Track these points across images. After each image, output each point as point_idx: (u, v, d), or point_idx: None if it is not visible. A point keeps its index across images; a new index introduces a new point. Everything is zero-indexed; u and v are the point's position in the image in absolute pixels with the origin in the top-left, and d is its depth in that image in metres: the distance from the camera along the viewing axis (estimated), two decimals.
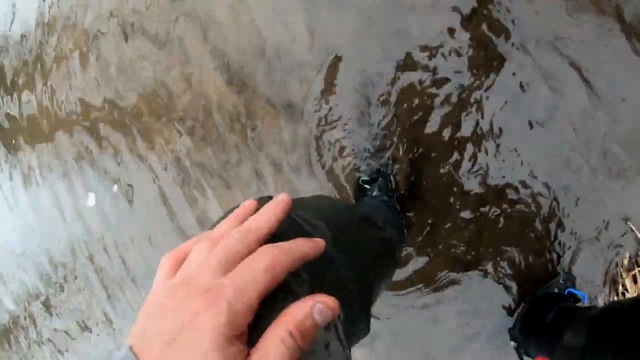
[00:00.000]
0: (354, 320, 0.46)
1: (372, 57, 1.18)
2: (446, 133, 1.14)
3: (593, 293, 1.15)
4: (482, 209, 1.15)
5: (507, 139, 1.13)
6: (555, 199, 1.12)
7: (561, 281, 1.08)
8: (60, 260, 2.27)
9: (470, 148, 1.14)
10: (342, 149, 1.22)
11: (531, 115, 1.11)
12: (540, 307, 1.04)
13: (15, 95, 2.28)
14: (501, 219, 1.15)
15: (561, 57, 1.09)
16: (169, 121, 1.58)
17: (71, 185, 2.06)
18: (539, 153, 1.12)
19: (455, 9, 1.12)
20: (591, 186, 1.10)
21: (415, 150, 1.15)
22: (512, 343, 1.12)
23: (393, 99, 1.18)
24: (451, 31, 1.13)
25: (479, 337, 1.22)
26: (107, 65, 1.75)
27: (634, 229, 1.12)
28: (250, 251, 0.27)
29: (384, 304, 1.25)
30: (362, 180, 1.11)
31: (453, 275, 1.19)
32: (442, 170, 1.14)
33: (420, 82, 1.15)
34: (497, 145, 1.13)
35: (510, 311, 1.17)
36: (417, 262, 1.21)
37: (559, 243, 1.14)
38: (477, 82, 1.13)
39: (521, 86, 1.11)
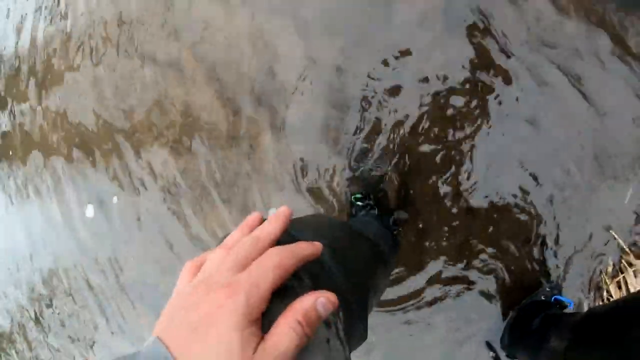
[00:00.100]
0: (352, 326, 0.52)
1: (362, 78, 1.26)
2: (433, 149, 1.21)
3: (579, 300, 1.20)
4: (469, 222, 1.21)
5: (494, 153, 1.19)
6: (539, 211, 1.18)
7: (547, 289, 1.13)
8: (53, 274, 2.27)
9: (456, 164, 1.21)
10: (335, 168, 1.29)
11: (517, 129, 1.18)
12: (528, 315, 1.09)
13: (9, 109, 2.32)
14: (489, 231, 1.21)
15: (552, 68, 1.16)
16: (161, 138, 1.63)
17: (66, 199, 2.07)
18: (524, 166, 1.19)
19: (444, 27, 1.20)
20: (574, 197, 1.16)
21: (404, 167, 1.22)
22: (491, 353, 1.17)
23: (383, 118, 1.25)
24: (437, 47, 1.21)
25: (470, 341, 1.27)
26: (103, 83, 1.81)
27: (616, 237, 1.18)
28: (260, 254, 0.32)
29: (380, 318, 1.30)
30: (354, 197, 1.18)
31: (442, 286, 1.24)
32: (430, 184, 1.21)
33: (409, 100, 1.22)
34: (484, 160, 1.20)
35: (500, 318, 1.23)
36: (408, 273, 1.26)
37: (545, 253, 1.19)
38: (464, 98, 1.20)
39: (505, 101, 1.18)
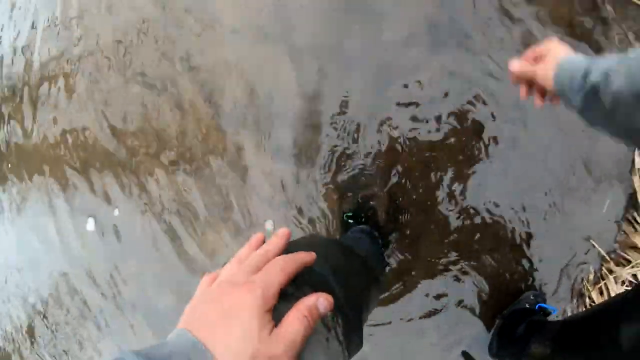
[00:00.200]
0: (350, 335, 0.57)
1: (352, 100, 1.31)
2: (419, 167, 1.27)
3: (562, 307, 1.25)
4: (456, 234, 1.26)
5: (478, 168, 1.25)
6: (523, 224, 1.24)
7: (532, 297, 1.18)
8: (52, 290, 2.25)
9: (442, 180, 1.27)
10: (326, 187, 1.34)
11: (499, 145, 1.24)
12: (513, 322, 1.14)
13: (4, 124, 2.34)
14: (474, 243, 1.26)
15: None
16: (158, 158, 1.67)
17: (64, 213, 2.08)
18: (507, 180, 1.24)
19: (429, 46, 1.26)
20: (555, 209, 1.22)
21: (392, 187, 1.28)
22: None
23: (373, 140, 1.30)
24: (421, 67, 1.27)
25: (459, 347, 1.31)
26: (101, 101, 1.84)
27: (596, 246, 1.23)
28: (268, 262, 0.41)
29: (369, 330, 1.34)
30: (346, 216, 1.23)
31: (430, 297, 1.29)
32: (417, 201, 1.26)
33: (397, 122, 1.28)
34: (468, 176, 1.25)
35: (487, 327, 1.27)
36: (397, 287, 1.31)
37: (529, 263, 1.25)
38: (449, 117, 1.26)
39: (492, 116, 1.24)
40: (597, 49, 1.22)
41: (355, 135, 1.33)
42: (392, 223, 1.26)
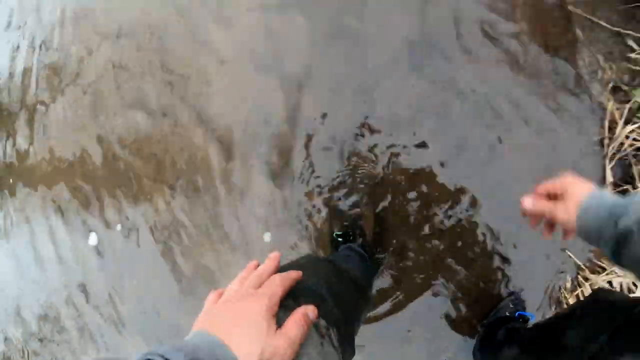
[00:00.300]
0: (343, 344, 0.67)
1: (340, 124, 1.40)
2: (402, 189, 1.36)
3: (542, 314, 1.33)
4: (437, 248, 1.34)
5: (458, 186, 1.33)
6: (501, 239, 1.32)
7: (511, 305, 1.26)
8: (48, 306, 2.27)
9: (423, 198, 1.35)
10: (317, 207, 1.43)
11: (474, 160, 1.32)
12: (494, 330, 1.22)
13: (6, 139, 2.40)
14: (456, 256, 1.34)
15: (508, 103, 1.31)
16: (158, 181, 1.74)
17: (65, 228, 2.12)
18: (486, 194, 1.32)
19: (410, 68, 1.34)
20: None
21: (378, 206, 1.36)
22: None
23: (359, 163, 1.40)
24: (403, 90, 1.35)
25: (446, 353, 1.39)
26: (99, 124, 1.92)
27: (572, 256, 1.31)
28: (265, 281, 0.51)
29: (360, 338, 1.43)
30: (336, 235, 1.32)
31: (416, 308, 1.37)
32: (400, 220, 1.35)
33: (380, 146, 1.37)
34: (448, 195, 1.34)
35: (471, 334, 1.35)
36: (386, 302, 1.39)
37: (509, 273, 1.33)
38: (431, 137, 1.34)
39: (464, 137, 1.32)
40: (570, 70, 1.30)
41: (343, 159, 1.41)
42: (378, 241, 1.35)
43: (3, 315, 2.52)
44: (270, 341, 0.41)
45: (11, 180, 2.39)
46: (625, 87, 1.30)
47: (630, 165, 1.30)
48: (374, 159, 1.39)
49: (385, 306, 1.40)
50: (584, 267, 1.32)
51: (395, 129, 1.37)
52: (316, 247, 1.44)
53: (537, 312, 1.33)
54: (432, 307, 1.37)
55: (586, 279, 1.33)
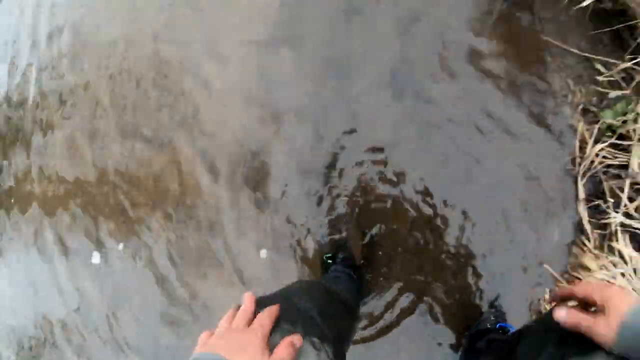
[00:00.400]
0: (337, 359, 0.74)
1: (327, 153, 1.48)
2: (388, 212, 1.43)
3: (523, 324, 1.40)
4: (423, 270, 1.42)
5: (436, 205, 1.41)
6: (482, 257, 1.39)
7: (492, 317, 1.33)
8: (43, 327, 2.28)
9: (406, 220, 1.43)
10: (308, 231, 1.50)
11: (454, 178, 1.40)
12: (475, 340, 1.29)
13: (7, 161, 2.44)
14: (439, 274, 1.41)
15: (486, 120, 1.38)
16: (152, 206, 1.80)
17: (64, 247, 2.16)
18: (467, 213, 1.39)
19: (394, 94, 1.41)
20: (512, 238, 1.37)
21: (363, 228, 1.44)
22: None
23: (348, 188, 1.48)
24: (387, 114, 1.42)
25: None
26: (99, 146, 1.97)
27: (549, 268, 1.39)
28: (251, 318, 0.60)
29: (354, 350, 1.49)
30: (325, 257, 1.39)
31: (401, 321, 1.44)
32: (386, 241, 1.42)
33: (365, 169, 1.44)
34: (430, 217, 1.41)
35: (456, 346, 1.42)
36: (374, 316, 1.46)
37: (490, 287, 1.40)
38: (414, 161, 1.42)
39: (445, 156, 1.40)
40: (542, 95, 1.38)
41: (330, 183, 1.48)
42: (366, 262, 1.42)
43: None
44: None
45: (12, 200, 2.43)
46: (594, 109, 1.39)
47: (600, 182, 1.38)
48: (359, 181, 1.46)
49: (374, 322, 1.46)
50: (561, 279, 1.39)
51: (380, 152, 1.44)
52: (307, 268, 1.51)
53: (520, 322, 1.40)
54: (419, 320, 1.44)
55: None
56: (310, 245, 1.49)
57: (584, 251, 1.42)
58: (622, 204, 1.39)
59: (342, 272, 1.28)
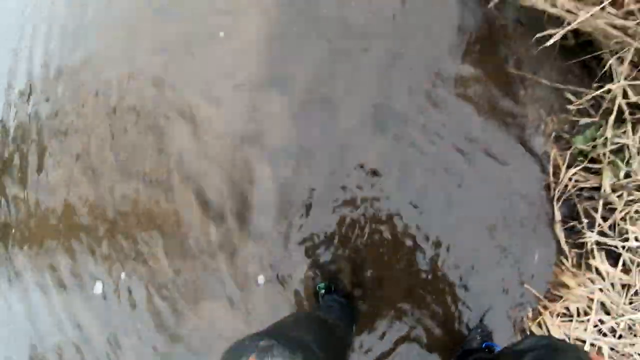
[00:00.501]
0: None
1: (317, 187, 1.55)
2: (375, 244, 1.51)
3: (509, 342, 1.48)
4: (411, 298, 1.49)
5: (420, 236, 1.49)
6: (467, 281, 1.47)
7: (479, 337, 1.40)
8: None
9: (395, 253, 1.50)
10: (301, 265, 1.57)
11: (437, 205, 1.47)
12: (463, 359, 1.36)
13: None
14: (427, 300, 1.48)
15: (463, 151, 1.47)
16: (149, 241, 1.84)
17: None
18: (446, 236, 1.47)
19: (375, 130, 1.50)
20: (493, 261, 1.45)
21: (354, 262, 1.51)
22: None
23: (333, 222, 1.55)
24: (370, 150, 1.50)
25: None
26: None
27: (530, 288, 1.47)
28: None
29: None
30: (318, 287, 1.46)
31: (392, 345, 1.51)
32: (375, 271, 1.50)
33: (353, 201, 1.52)
34: (416, 248, 1.49)
35: None
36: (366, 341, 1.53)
37: (476, 308, 1.47)
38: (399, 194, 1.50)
39: (426, 185, 1.48)
40: (517, 125, 1.47)
41: (321, 217, 1.56)
42: (357, 291, 1.50)
43: None
44: None
45: (13, 230, 2.44)
46: (566, 136, 1.48)
47: (575, 204, 1.47)
48: (348, 213, 1.53)
49: (367, 345, 1.53)
50: (542, 298, 1.47)
51: (366, 184, 1.52)
52: (302, 297, 1.57)
53: (506, 341, 1.47)
54: (409, 345, 1.50)
55: (545, 307, 1.49)
56: (303, 276, 1.56)
57: (562, 270, 1.50)
58: (597, 223, 1.48)
59: (335, 302, 1.35)
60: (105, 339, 2.03)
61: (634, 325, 1.50)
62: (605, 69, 1.48)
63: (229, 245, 1.68)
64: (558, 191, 1.45)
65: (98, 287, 2.14)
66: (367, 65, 1.53)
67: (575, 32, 1.45)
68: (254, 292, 1.64)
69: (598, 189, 1.48)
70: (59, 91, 2.13)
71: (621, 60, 1.49)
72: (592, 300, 1.49)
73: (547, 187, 1.46)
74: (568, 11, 1.44)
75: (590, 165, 1.47)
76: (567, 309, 1.50)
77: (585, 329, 1.49)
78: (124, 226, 1.95)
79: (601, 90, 1.44)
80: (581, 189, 1.47)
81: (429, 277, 1.48)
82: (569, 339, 1.47)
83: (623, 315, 1.49)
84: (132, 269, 1.94)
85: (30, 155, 2.29)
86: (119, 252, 2.00)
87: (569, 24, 1.41)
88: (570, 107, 1.47)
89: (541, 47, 1.33)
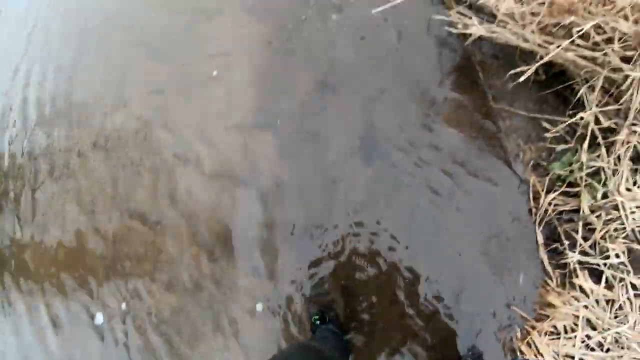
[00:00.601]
0: None
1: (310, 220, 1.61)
2: (368, 277, 1.57)
3: None
4: (402, 325, 1.55)
5: (412, 267, 1.55)
6: (456, 307, 1.53)
7: (469, 359, 1.46)
8: None
9: (385, 285, 1.56)
10: (297, 299, 1.63)
11: (423, 233, 1.54)
12: None
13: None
14: (419, 326, 1.54)
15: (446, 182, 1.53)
16: (146, 276, 1.88)
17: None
18: (432, 263, 1.54)
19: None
20: (480, 286, 1.52)
21: (347, 292, 1.57)
22: None
23: (327, 255, 1.61)
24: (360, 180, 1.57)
25: None
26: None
27: (518, 310, 1.53)
28: None
29: None
30: (313, 319, 1.51)
31: None
32: (368, 302, 1.56)
33: (344, 233, 1.58)
34: (405, 278, 1.55)
35: None
36: None
37: (465, 331, 1.53)
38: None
39: (413, 213, 1.54)
40: (498, 156, 1.54)
41: (314, 250, 1.62)
42: (350, 321, 1.55)
43: None
44: None
45: (13, 262, 2.45)
46: (544, 163, 1.55)
47: (556, 227, 1.55)
48: (339, 246, 1.60)
49: None
50: (529, 318, 1.54)
51: (355, 215, 1.58)
52: (297, 329, 1.62)
53: None
54: None
55: (533, 327, 1.55)
56: (298, 307, 1.61)
57: (547, 290, 1.57)
58: (578, 243, 1.55)
59: (329, 332, 1.40)
60: None
61: (620, 338, 1.56)
62: (578, 97, 1.57)
63: (223, 280, 1.73)
64: (539, 216, 1.52)
65: (99, 318, 2.15)
66: (353, 99, 1.60)
67: (549, 64, 1.53)
68: (250, 324, 1.68)
69: (577, 211, 1.56)
70: (54, 131, 2.18)
71: (592, 88, 1.58)
72: (577, 317, 1.56)
73: (530, 212, 1.53)
74: (539, 45, 1.53)
75: (568, 189, 1.55)
76: (555, 327, 1.56)
77: (574, 345, 1.55)
78: (118, 262, 1.98)
79: (574, 118, 1.52)
80: (561, 212, 1.55)
81: (420, 303, 1.54)
82: (558, 355, 1.54)
83: (609, 329, 1.55)
84: (128, 304, 1.98)
85: (24, 193, 2.32)
86: (113, 289, 2.02)
87: (541, 57, 1.50)
88: (547, 135, 1.55)
89: (515, 82, 1.41)
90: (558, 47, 1.48)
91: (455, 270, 1.52)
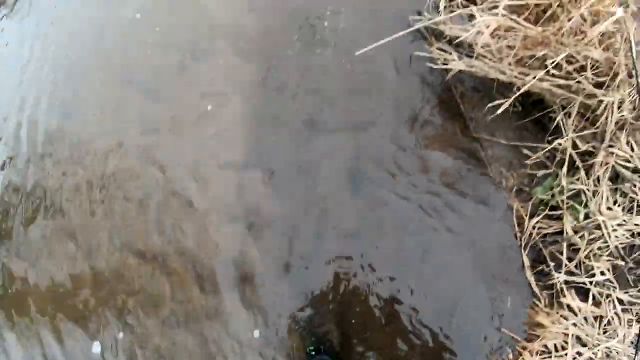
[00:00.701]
0: None
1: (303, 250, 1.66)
2: (360, 306, 1.61)
3: None
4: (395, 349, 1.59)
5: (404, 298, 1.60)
6: (449, 333, 1.58)
7: None
8: None
9: (376, 315, 1.60)
10: (293, 328, 1.67)
11: (412, 260, 1.59)
12: None
13: None
14: (411, 352, 1.59)
15: (432, 212, 1.59)
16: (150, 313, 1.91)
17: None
18: (423, 290, 1.59)
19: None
20: (470, 311, 1.57)
21: (341, 323, 1.62)
22: None
23: (321, 286, 1.64)
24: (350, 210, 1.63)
25: None
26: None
27: (507, 332, 1.58)
28: None
29: None
30: (309, 349, 1.56)
31: None
32: (362, 332, 1.60)
33: (336, 262, 1.63)
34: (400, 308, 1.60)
35: None
36: None
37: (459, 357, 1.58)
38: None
39: (401, 242, 1.60)
40: (482, 184, 1.61)
41: (311, 281, 1.67)
42: (346, 351, 1.59)
43: None
44: None
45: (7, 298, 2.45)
46: (526, 189, 1.62)
47: (541, 250, 1.61)
48: (332, 277, 1.65)
49: None
50: (519, 340, 1.59)
51: (345, 245, 1.63)
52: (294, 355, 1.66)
53: None
54: None
55: (524, 348, 1.60)
56: (294, 339, 1.65)
57: (536, 311, 1.62)
58: (563, 264, 1.61)
59: None
60: None
61: (611, 352, 1.61)
62: (556, 123, 1.64)
63: (217, 313, 1.75)
64: (524, 239, 1.59)
65: (97, 347, 2.15)
66: (341, 133, 1.67)
67: (526, 94, 1.61)
68: (247, 354, 1.72)
69: (561, 232, 1.62)
70: (46, 165, 2.21)
71: (569, 115, 1.66)
72: (567, 335, 1.61)
73: (515, 237, 1.59)
74: (516, 77, 1.61)
75: (551, 212, 1.61)
76: (546, 346, 1.61)
77: None
78: (115, 296, 2.00)
79: (552, 145, 1.60)
80: (545, 234, 1.61)
81: (413, 331, 1.58)
82: None
83: (599, 345, 1.61)
84: (124, 336, 1.99)
85: (17, 227, 2.32)
86: (110, 323, 2.03)
87: (518, 88, 1.58)
88: (528, 161, 1.62)
89: (494, 114, 1.48)
90: (534, 78, 1.57)
91: (447, 296, 1.57)
